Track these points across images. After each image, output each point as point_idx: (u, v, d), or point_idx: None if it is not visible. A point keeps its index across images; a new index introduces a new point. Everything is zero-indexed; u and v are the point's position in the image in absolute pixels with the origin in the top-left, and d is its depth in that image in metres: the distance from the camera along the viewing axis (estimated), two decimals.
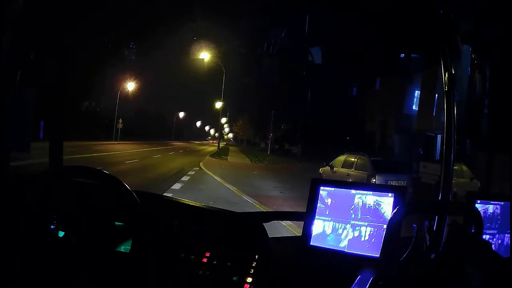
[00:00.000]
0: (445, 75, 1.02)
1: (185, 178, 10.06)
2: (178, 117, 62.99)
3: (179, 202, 1.26)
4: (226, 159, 20.19)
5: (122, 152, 17.82)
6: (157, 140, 38.72)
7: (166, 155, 19.35)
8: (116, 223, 1.14)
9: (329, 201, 1.11)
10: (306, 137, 27.27)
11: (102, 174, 1.05)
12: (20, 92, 1.29)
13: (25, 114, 1.30)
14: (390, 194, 1.04)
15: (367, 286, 0.80)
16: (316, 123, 24.51)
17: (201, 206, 1.25)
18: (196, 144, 47.86)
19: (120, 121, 30.05)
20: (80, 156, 11.72)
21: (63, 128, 1.47)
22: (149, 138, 36.69)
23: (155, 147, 25.96)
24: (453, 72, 1.01)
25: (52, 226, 1.12)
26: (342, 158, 10.54)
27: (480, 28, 1.10)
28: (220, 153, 23.19)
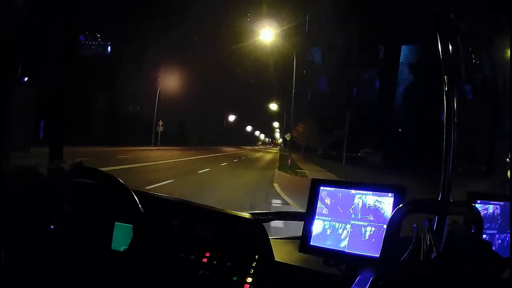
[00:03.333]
0: (445, 75, 1.02)
1: None
2: (228, 120, 58.66)
3: (179, 202, 1.26)
4: (305, 175, 13.20)
5: (152, 164, 12.55)
6: (204, 145, 33.85)
7: (216, 168, 13.58)
8: (116, 223, 1.14)
9: (329, 201, 1.11)
10: (385, 142, 22.04)
11: (102, 174, 1.05)
12: (20, 92, 1.29)
13: (25, 114, 1.30)
14: (390, 194, 1.04)
15: (367, 286, 0.80)
16: (400, 126, 20.60)
17: (201, 206, 1.25)
18: (249, 150, 42.01)
19: (161, 123, 25.33)
20: None
21: (63, 128, 1.46)
22: (195, 143, 32.08)
23: (202, 154, 20.66)
24: (453, 72, 1.02)
25: (52, 226, 1.12)
26: None
27: (480, 28, 1.10)
28: (291, 165, 15.69)
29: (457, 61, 1.04)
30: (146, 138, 24.13)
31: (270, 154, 32.73)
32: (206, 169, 12.20)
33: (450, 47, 1.06)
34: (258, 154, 32.93)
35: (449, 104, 1.01)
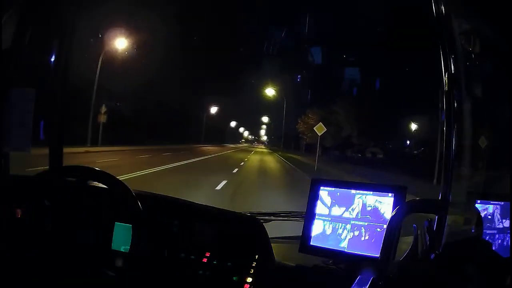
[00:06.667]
0: (445, 75, 1.02)
1: None
2: (209, 113, 49.61)
3: (179, 202, 1.26)
4: None
5: None
6: (177, 142, 24.78)
7: None
8: (116, 222, 1.14)
9: (329, 201, 1.11)
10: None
11: (102, 174, 1.06)
12: (20, 92, 1.29)
13: (25, 114, 1.30)
14: (390, 194, 1.04)
15: (367, 286, 0.80)
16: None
17: (201, 206, 1.25)
18: (236, 150, 32.62)
19: (103, 110, 16.24)
20: None
21: (64, 128, 1.46)
22: (163, 140, 23.05)
23: (165, 162, 11.80)
24: (453, 72, 1.02)
25: (51, 226, 1.12)
26: None
27: (480, 28, 1.10)
28: None
29: (457, 62, 1.04)
30: (80, 133, 15.46)
31: (267, 156, 26.33)
32: None
33: (451, 47, 1.06)
34: (254, 157, 24.17)
35: (449, 104, 1.01)
